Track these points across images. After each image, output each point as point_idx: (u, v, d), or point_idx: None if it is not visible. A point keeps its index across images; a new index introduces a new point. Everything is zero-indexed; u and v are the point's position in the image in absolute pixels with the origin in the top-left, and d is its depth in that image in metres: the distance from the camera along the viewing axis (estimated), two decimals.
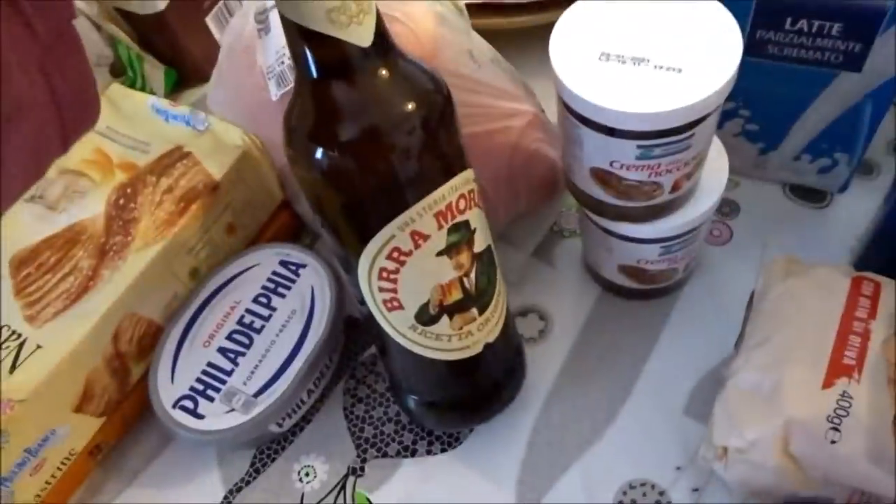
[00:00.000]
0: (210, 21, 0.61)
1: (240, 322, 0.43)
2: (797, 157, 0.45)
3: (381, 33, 0.27)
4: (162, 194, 0.44)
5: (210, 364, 0.41)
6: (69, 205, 0.45)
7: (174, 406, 0.40)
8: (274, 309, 0.43)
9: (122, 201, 0.44)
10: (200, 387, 0.41)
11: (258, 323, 0.42)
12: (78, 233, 0.44)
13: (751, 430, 0.30)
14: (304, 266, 0.44)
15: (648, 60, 0.31)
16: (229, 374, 0.41)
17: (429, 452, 0.41)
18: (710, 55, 0.30)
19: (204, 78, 0.64)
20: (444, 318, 0.34)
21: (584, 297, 0.45)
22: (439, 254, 0.31)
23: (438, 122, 0.29)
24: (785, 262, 0.35)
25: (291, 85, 0.38)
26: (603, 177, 0.34)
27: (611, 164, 0.33)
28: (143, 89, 0.58)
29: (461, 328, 0.35)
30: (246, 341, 0.42)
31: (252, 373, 0.41)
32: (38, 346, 0.39)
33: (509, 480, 0.40)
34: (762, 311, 0.34)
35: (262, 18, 0.40)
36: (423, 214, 0.30)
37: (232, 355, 0.41)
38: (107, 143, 0.48)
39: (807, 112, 0.42)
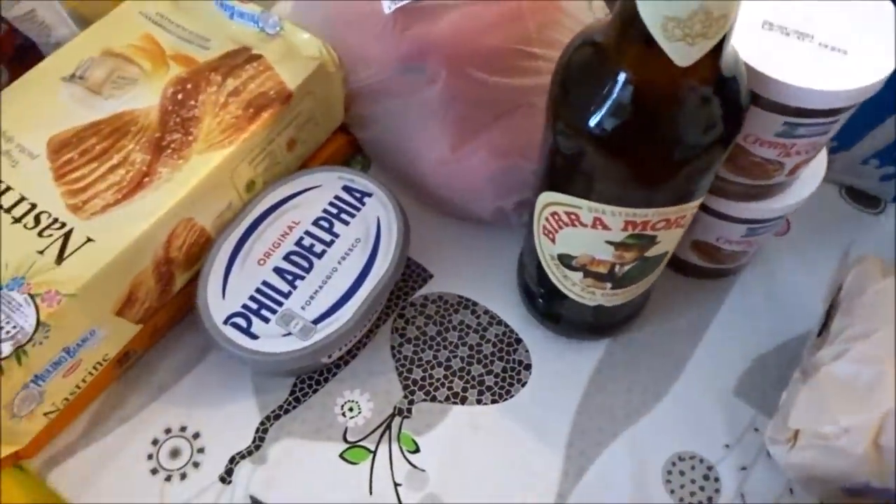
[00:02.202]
0: None
1: (298, 244, 0.40)
2: (865, 161, 0.46)
3: (714, 62, 0.25)
4: (227, 96, 0.41)
5: (265, 283, 0.39)
6: (116, 91, 0.41)
7: (225, 322, 0.38)
8: (336, 235, 0.40)
9: (180, 96, 0.41)
10: (255, 306, 0.38)
11: (319, 247, 0.40)
12: (127, 122, 0.40)
13: (846, 417, 0.31)
14: (369, 195, 0.42)
15: (813, 37, 0.30)
16: (286, 296, 0.38)
17: (479, 402, 0.41)
18: (875, 41, 0.30)
19: None
20: (580, 274, 0.34)
21: None
22: (608, 242, 0.32)
23: (707, 164, 0.29)
24: (879, 263, 0.36)
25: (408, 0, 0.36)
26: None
27: (745, 137, 0.32)
28: None
29: (588, 287, 0.35)
30: (305, 264, 0.39)
31: (311, 298, 0.38)
32: (89, 240, 0.35)
33: (559, 441, 0.40)
34: (860, 305, 0.34)
35: None
36: (615, 216, 0.30)
37: (290, 277, 0.39)
38: (157, 30, 0.44)
39: (892, 117, 0.43)
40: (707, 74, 0.26)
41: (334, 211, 0.41)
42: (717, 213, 0.38)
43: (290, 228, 0.41)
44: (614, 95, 0.27)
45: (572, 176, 0.30)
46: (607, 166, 0.28)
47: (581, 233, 0.32)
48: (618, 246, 0.32)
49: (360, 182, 0.42)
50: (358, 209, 0.41)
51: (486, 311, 0.44)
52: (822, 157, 0.38)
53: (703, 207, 0.38)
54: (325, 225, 0.41)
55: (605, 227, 0.31)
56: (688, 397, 0.41)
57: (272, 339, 0.37)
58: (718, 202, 0.37)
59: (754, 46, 0.30)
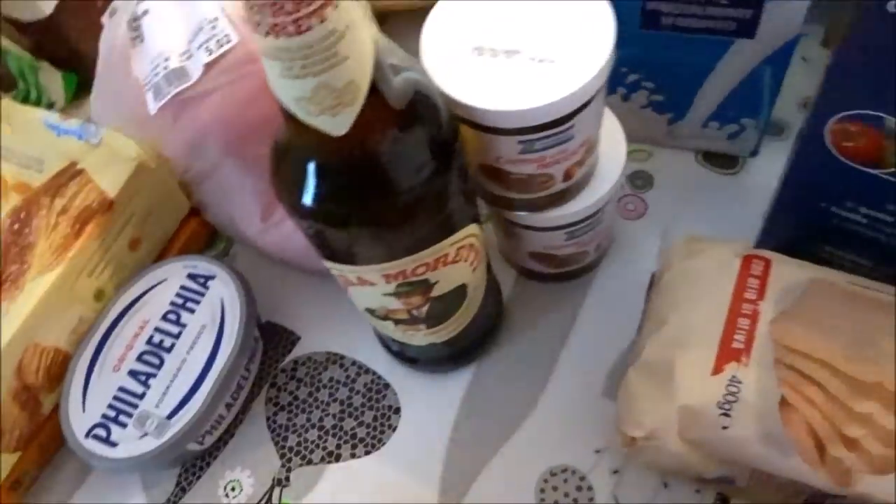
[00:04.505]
0: (106, 20, 0.58)
1: (149, 342, 0.41)
2: (705, 125, 0.45)
3: (383, 115, 0.26)
4: (57, 216, 0.42)
5: (121, 389, 0.40)
6: None
7: (87, 436, 0.39)
8: (184, 325, 0.42)
9: (16, 226, 0.43)
10: (112, 413, 0.40)
11: (168, 341, 0.41)
12: None
13: (648, 418, 0.30)
14: (212, 277, 0.43)
15: (521, 52, 0.30)
16: (141, 397, 0.40)
17: (353, 456, 0.41)
18: (582, 44, 0.29)
19: None
20: (391, 322, 0.35)
21: (502, 283, 0.45)
22: (385, 295, 0.32)
23: (426, 208, 0.28)
24: (685, 243, 0.35)
25: (169, 96, 0.36)
26: (492, 172, 0.33)
27: (496, 159, 0.32)
28: (39, 99, 0.56)
29: (407, 331, 0.36)
30: (156, 362, 0.41)
31: (164, 394, 0.40)
32: None
33: (433, 478, 0.40)
34: (660, 293, 0.33)
35: (135, 26, 0.38)
36: (371, 272, 0.30)
37: (143, 377, 0.40)
38: (3, 164, 0.46)
39: (708, 80, 0.42)
40: (382, 129, 0.26)
41: (180, 301, 0.43)
42: (527, 226, 0.38)
43: (141, 328, 0.42)
44: (306, 173, 0.27)
45: (317, 245, 0.31)
46: (331, 237, 0.29)
47: (359, 290, 0.33)
48: (396, 295, 0.32)
49: (204, 266, 0.43)
50: (203, 294, 0.43)
51: (354, 363, 0.44)
52: (618, 147, 0.37)
53: (513, 222, 0.38)
54: (173, 318, 0.42)
55: (371, 283, 0.31)
56: (556, 406, 0.41)
57: (130, 443, 0.39)
58: (522, 216, 0.37)
59: (466, 77, 0.30)
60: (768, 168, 0.46)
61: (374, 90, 0.25)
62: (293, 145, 0.27)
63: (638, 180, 0.47)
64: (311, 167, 0.27)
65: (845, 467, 0.28)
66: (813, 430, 0.28)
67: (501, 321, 0.43)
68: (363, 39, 0.23)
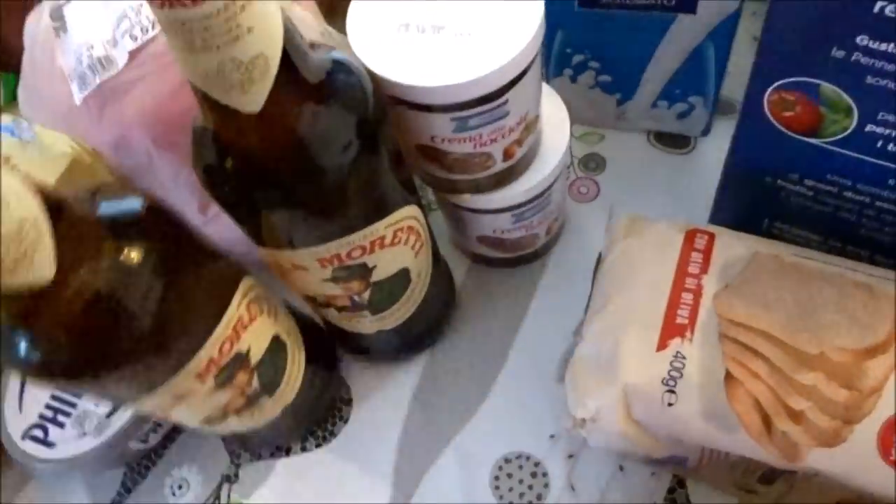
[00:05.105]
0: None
1: None
2: (654, 105, 0.44)
3: (299, 90, 0.24)
4: None
5: None
6: None
7: (24, 437, 0.38)
8: None
9: None
10: (50, 413, 0.38)
11: None
12: None
13: (592, 399, 0.30)
14: None
15: (448, 28, 0.29)
16: (80, 396, 0.38)
17: (303, 449, 0.40)
18: (510, 19, 0.29)
19: None
20: (333, 309, 0.34)
21: (454, 270, 0.44)
22: (324, 280, 0.31)
23: (354, 185, 0.27)
24: (627, 222, 0.34)
25: (94, 86, 0.35)
26: (429, 153, 0.33)
27: (431, 139, 0.31)
28: None
29: (352, 319, 0.35)
30: None
31: None
32: None
33: (386, 469, 0.39)
34: (603, 274, 0.33)
35: (57, 16, 0.37)
36: (305, 257, 0.29)
37: None
38: None
39: (653, 59, 0.41)
40: (299, 104, 0.25)
41: None
42: (472, 210, 0.37)
43: None
44: (226, 156, 0.26)
45: (246, 231, 0.30)
46: (257, 221, 0.28)
47: (297, 276, 0.32)
48: (334, 281, 0.31)
49: None
50: None
51: None
52: (561, 127, 0.37)
53: (458, 206, 0.37)
54: None
55: (305, 269, 0.30)
56: (510, 393, 0.40)
57: (69, 443, 0.37)
58: (465, 199, 0.36)
59: (391, 53, 0.29)
60: (720, 147, 0.45)
61: (289, 65, 0.24)
62: (210, 128, 0.26)
63: (591, 163, 0.47)
64: (230, 150, 0.26)
65: (792, 441, 0.28)
66: (758, 403, 0.28)
67: (454, 308, 0.42)
68: (270, 10, 0.22)
